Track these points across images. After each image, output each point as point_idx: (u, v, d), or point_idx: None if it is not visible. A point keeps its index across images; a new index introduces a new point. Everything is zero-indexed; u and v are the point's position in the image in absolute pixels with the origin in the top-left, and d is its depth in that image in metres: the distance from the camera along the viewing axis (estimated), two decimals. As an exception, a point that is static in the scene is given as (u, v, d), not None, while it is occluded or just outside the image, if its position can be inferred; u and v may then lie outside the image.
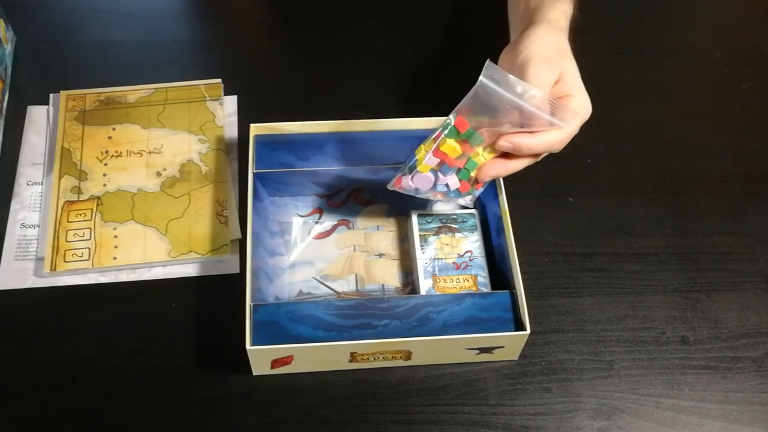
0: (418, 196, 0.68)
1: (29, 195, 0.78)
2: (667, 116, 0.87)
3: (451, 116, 0.64)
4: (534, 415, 0.67)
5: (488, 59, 0.63)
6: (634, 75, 0.91)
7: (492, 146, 0.65)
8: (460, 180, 0.66)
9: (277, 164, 0.74)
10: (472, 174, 0.66)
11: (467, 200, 0.69)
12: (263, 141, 0.75)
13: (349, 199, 0.78)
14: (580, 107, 0.65)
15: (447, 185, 0.67)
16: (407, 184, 0.67)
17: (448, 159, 0.65)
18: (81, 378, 0.68)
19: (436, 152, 0.64)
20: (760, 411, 0.69)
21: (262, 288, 0.69)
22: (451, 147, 0.64)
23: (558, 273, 0.75)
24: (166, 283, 0.73)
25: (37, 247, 0.74)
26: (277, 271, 0.73)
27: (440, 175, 0.66)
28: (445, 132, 0.64)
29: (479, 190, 0.68)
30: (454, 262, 0.71)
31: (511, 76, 0.63)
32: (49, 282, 0.72)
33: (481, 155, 0.66)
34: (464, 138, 0.64)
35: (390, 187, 0.67)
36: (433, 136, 0.65)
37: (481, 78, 0.62)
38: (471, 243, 0.73)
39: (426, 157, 0.65)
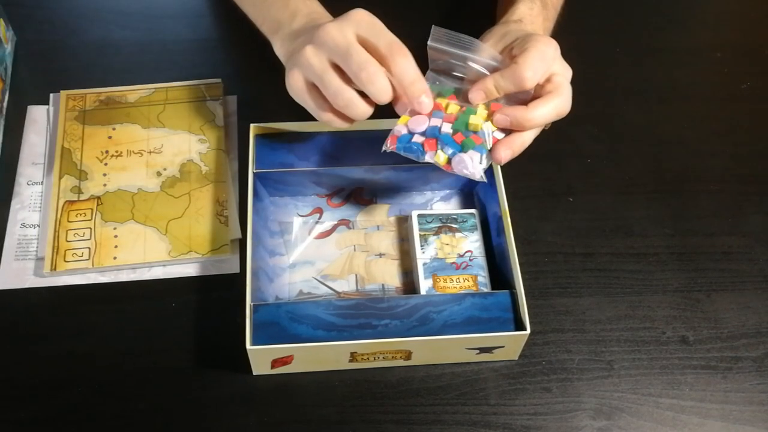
0: (414, 152, 0.66)
1: (29, 195, 0.78)
2: (667, 116, 0.87)
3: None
4: (534, 415, 0.67)
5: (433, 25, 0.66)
6: (634, 75, 0.91)
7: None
8: (454, 130, 0.65)
9: (277, 164, 0.74)
10: (473, 122, 0.65)
11: (471, 160, 0.65)
12: (263, 141, 0.75)
13: (349, 199, 0.78)
14: (537, 41, 0.64)
15: (439, 129, 0.65)
16: (399, 130, 0.66)
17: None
18: (81, 378, 0.68)
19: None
20: (760, 411, 0.69)
21: (262, 288, 0.69)
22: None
23: (558, 273, 0.76)
24: (166, 283, 0.73)
25: (37, 247, 0.74)
26: (277, 271, 0.73)
27: (433, 118, 0.66)
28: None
29: (482, 149, 0.65)
30: (454, 262, 0.71)
31: (461, 35, 0.66)
32: (49, 282, 0.72)
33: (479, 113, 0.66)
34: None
35: (386, 148, 0.66)
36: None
37: (429, 42, 0.66)
38: (471, 243, 0.73)
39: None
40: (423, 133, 0.65)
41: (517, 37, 0.67)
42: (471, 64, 0.66)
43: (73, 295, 0.72)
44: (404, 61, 0.62)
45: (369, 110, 0.65)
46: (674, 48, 0.93)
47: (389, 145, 0.66)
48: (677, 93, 0.90)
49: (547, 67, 0.64)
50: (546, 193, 0.81)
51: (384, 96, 0.63)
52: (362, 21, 0.63)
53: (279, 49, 0.70)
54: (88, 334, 0.70)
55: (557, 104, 0.64)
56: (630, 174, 0.83)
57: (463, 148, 0.65)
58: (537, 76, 0.64)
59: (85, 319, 0.71)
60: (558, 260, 0.76)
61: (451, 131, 0.65)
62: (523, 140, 0.65)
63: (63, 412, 0.66)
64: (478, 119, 0.65)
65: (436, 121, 0.66)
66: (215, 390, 0.68)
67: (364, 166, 0.74)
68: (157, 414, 0.66)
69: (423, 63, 0.66)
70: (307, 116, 0.75)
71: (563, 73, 0.66)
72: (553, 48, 0.65)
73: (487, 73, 0.66)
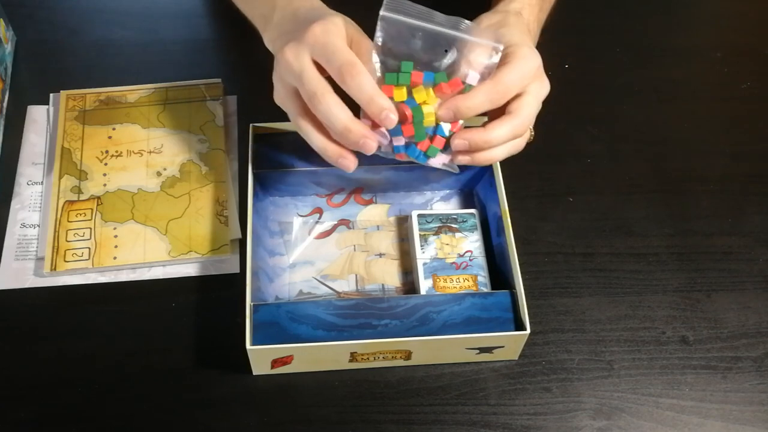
0: (386, 157, 0.65)
1: (29, 195, 0.78)
2: (667, 116, 0.87)
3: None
4: (534, 415, 0.67)
5: None
6: (634, 75, 0.91)
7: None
8: (416, 142, 0.63)
9: (277, 164, 0.74)
10: (428, 121, 0.62)
11: (442, 162, 0.65)
12: (263, 141, 0.75)
13: (349, 199, 0.78)
14: (520, 57, 0.62)
15: (404, 145, 0.63)
16: None
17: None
18: (81, 378, 0.68)
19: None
20: (760, 411, 0.69)
21: (262, 288, 0.69)
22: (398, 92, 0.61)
23: (558, 273, 0.75)
24: (166, 283, 0.73)
25: (37, 247, 0.74)
26: (277, 271, 0.73)
27: (393, 136, 0.63)
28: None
29: (448, 150, 0.64)
30: (454, 262, 0.71)
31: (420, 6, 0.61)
32: (49, 282, 0.72)
33: (430, 105, 0.62)
34: (398, 83, 0.61)
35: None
36: None
37: (382, 12, 0.60)
38: (471, 243, 0.73)
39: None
40: (389, 145, 0.64)
41: (509, 47, 0.63)
42: (431, 27, 0.61)
43: (73, 295, 0.72)
44: (356, 80, 0.59)
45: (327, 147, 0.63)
46: (674, 48, 0.93)
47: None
48: (677, 93, 0.90)
49: (524, 84, 0.62)
50: (546, 193, 0.81)
51: (337, 124, 0.60)
52: (315, 44, 0.60)
53: (267, 44, 0.69)
54: (88, 334, 0.70)
55: (515, 125, 0.62)
56: (630, 174, 0.83)
57: (428, 152, 0.64)
58: (512, 93, 0.62)
59: (85, 319, 0.71)
60: (558, 260, 0.76)
61: (414, 141, 0.63)
62: (490, 156, 0.63)
63: (63, 412, 0.66)
64: (430, 116, 0.62)
65: (398, 140, 0.63)
66: (215, 390, 0.68)
67: (364, 166, 0.74)
68: (157, 414, 0.66)
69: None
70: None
71: (536, 92, 0.63)
72: (536, 66, 0.63)
73: (452, 33, 0.60)
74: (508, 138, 0.63)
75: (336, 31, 0.61)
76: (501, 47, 0.61)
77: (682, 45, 0.94)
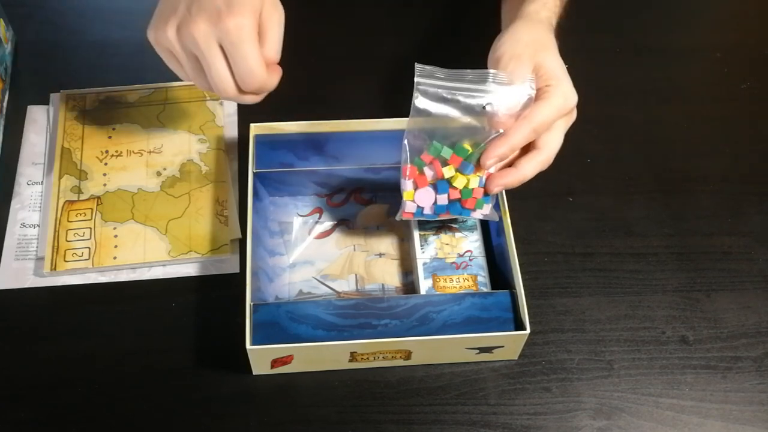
0: (429, 219, 0.68)
1: (29, 195, 0.78)
2: (667, 116, 0.87)
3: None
4: (534, 415, 0.67)
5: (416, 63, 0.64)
6: (634, 75, 0.91)
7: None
8: (463, 199, 0.65)
9: (277, 164, 0.74)
10: (473, 185, 0.65)
11: (483, 213, 0.67)
12: (263, 141, 0.75)
13: (349, 199, 0.78)
14: (559, 96, 0.64)
15: (446, 206, 0.66)
16: (410, 207, 0.66)
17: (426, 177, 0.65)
18: (81, 378, 0.68)
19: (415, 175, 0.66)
20: (760, 411, 0.69)
21: (262, 288, 0.69)
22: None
23: (558, 273, 0.76)
24: (166, 283, 0.73)
25: (37, 247, 0.74)
26: (277, 271, 0.73)
27: (437, 193, 0.66)
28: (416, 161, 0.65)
29: (488, 199, 0.67)
30: (454, 262, 0.71)
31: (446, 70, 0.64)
32: (49, 282, 0.72)
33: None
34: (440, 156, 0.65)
35: (398, 218, 0.67)
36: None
37: (416, 80, 0.64)
38: (471, 243, 0.73)
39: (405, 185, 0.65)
40: (433, 206, 0.66)
41: (549, 80, 0.64)
42: (463, 99, 0.64)
43: (73, 295, 0.72)
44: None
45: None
46: (674, 48, 0.93)
47: (402, 216, 0.67)
48: (677, 93, 0.90)
49: (557, 120, 0.64)
50: (546, 193, 0.80)
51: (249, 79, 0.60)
52: (227, 37, 0.59)
53: None
54: (87, 334, 0.70)
55: (542, 161, 0.65)
56: (630, 174, 0.83)
57: (477, 206, 0.66)
58: (547, 129, 0.64)
59: (85, 319, 0.71)
60: (558, 260, 0.76)
61: (446, 200, 0.66)
62: (523, 174, 0.65)
63: (63, 412, 0.66)
64: (475, 180, 0.65)
65: (442, 199, 0.65)
66: (215, 390, 0.68)
67: (364, 166, 0.74)
68: (157, 414, 0.66)
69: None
70: (306, 116, 0.76)
71: (564, 126, 0.66)
72: (571, 105, 0.65)
73: (482, 101, 0.64)
74: (537, 171, 0.66)
75: (248, 30, 0.59)
76: (534, 91, 0.63)
77: (682, 45, 0.94)
